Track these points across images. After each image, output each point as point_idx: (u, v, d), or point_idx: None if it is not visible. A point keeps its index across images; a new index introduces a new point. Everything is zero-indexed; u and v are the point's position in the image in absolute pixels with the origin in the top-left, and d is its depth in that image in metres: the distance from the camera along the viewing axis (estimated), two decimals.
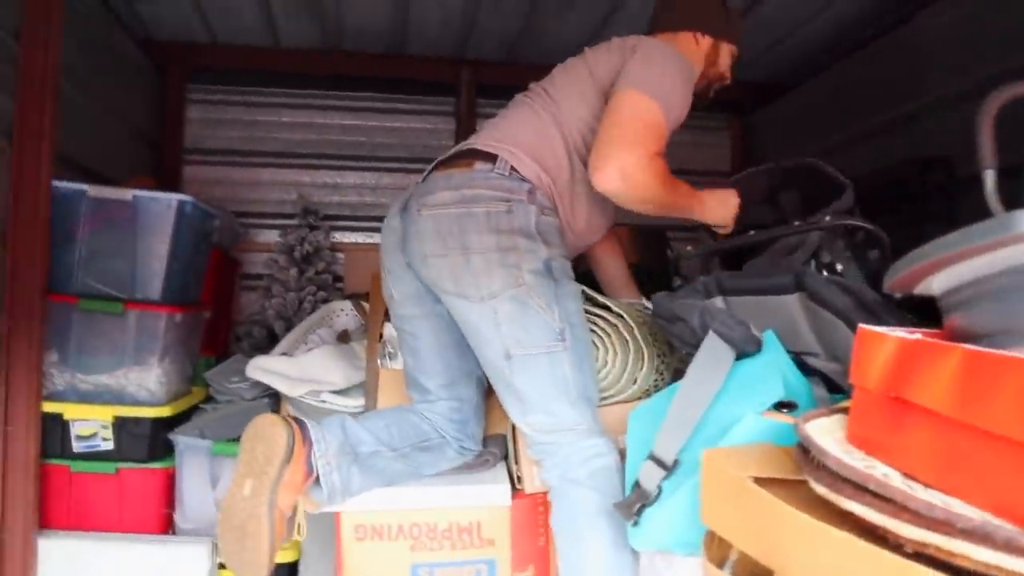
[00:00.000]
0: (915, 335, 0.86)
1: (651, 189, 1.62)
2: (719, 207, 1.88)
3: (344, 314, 2.68)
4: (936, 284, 0.96)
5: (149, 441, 2.22)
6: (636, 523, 1.38)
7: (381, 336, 2.11)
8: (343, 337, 2.54)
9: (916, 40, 2.64)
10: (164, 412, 2.24)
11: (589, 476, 1.58)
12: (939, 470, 0.78)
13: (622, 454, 1.61)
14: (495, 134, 1.77)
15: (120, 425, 2.20)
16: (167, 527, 2.23)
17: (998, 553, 0.65)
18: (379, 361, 2.11)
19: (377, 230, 3.66)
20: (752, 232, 1.90)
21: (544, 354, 1.59)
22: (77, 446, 2.18)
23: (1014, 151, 1.22)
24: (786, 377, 1.35)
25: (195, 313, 2.58)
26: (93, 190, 2.19)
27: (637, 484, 1.38)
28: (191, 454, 2.24)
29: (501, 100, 1.93)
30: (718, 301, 1.65)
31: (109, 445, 2.19)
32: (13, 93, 2.02)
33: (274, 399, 2.36)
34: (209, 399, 2.53)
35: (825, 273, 1.71)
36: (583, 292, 1.81)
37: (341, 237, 3.75)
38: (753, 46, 3.23)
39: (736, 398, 1.34)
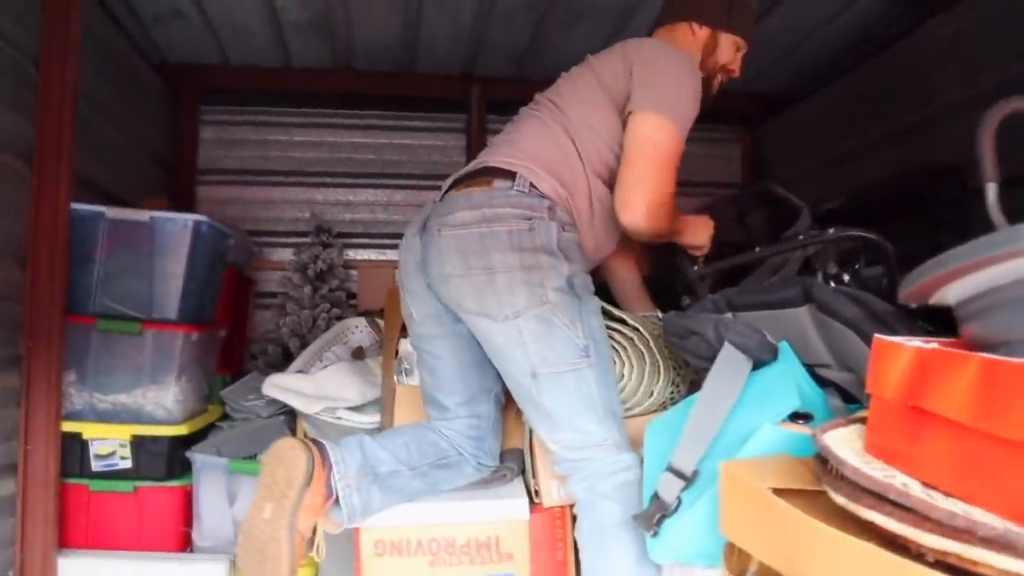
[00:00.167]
0: (931, 344, 0.86)
1: (668, 225, 1.76)
2: (701, 231, 2.00)
3: (358, 331, 2.69)
4: (951, 294, 0.97)
5: (167, 459, 2.24)
6: (656, 534, 1.38)
7: (397, 352, 2.12)
8: (358, 354, 2.55)
9: (925, 49, 2.64)
10: (181, 430, 2.26)
11: (615, 489, 1.58)
12: (959, 479, 0.78)
13: None
14: (510, 150, 1.75)
15: (138, 444, 2.21)
16: (185, 545, 2.25)
17: (1020, 561, 0.65)
18: (395, 377, 2.11)
19: (389, 247, 3.74)
20: (758, 249, 1.96)
21: (570, 371, 1.59)
22: (96, 465, 2.20)
23: (1017, 161, 1.22)
24: (801, 387, 1.35)
25: (211, 332, 2.60)
26: (111, 212, 2.22)
27: (656, 496, 1.38)
28: (208, 472, 2.25)
29: (511, 116, 1.93)
30: (728, 317, 1.66)
31: (127, 464, 2.21)
32: (32, 117, 2.06)
33: (290, 416, 2.37)
34: (225, 417, 2.55)
35: (832, 284, 1.73)
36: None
37: (354, 254, 3.77)
38: (762, 58, 3.25)
39: (752, 409, 1.35)
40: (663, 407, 1.89)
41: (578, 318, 1.61)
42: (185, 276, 2.27)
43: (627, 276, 2.25)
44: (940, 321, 1.15)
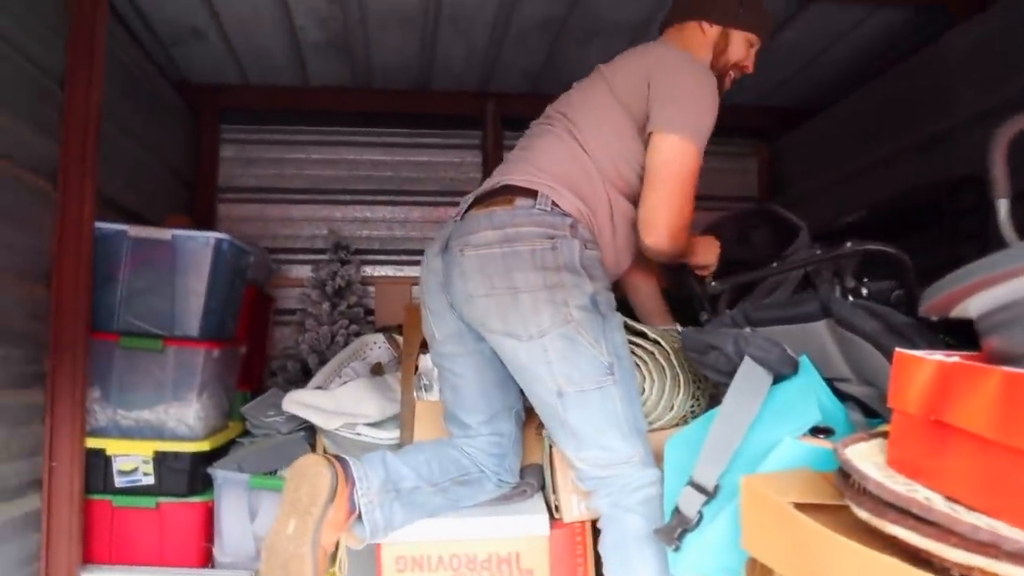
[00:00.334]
0: (953, 358, 0.86)
1: (686, 247, 1.82)
2: (709, 251, 2.02)
3: (377, 347, 2.70)
4: (972, 307, 0.97)
5: (188, 475, 2.26)
6: (677, 548, 1.38)
7: (416, 368, 2.12)
8: (376, 370, 2.57)
9: (945, 60, 2.63)
10: (203, 446, 2.27)
11: (639, 503, 1.58)
12: (982, 492, 0.78)
13: None
14: (529, 168, 1.75)
15: (160, 460, 2.23)
16: (206, 561, 2.26)
17: None
18: (415, 393, 2.12)
19: (407, 263, 3.75)
20: (775, 264, 1.97)
21: (595, 389, 1.59)
22: (119, 481, 2.22)
23: None
24: (821, 401, 1.34)
25: (231, 348, 2.63)
26: (133, 230, 2.25)
27: (677, 510, 1.38)
28: (229, 488, 2.27)
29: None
30: (748, 331, 1.66)
31: (150, 480, 2.23)
32: (57, 137, 2.09)
33: (310, 432, 2.39)
34: (246, 433, 2.56)
35: (850, 298, 1.72)
36: None
37: (371, 271, 3.79)
38: (780, 71, 3.25)
39: (772, 423, 1.34)
40: (684, 421, 1.89)
41: (602, 336, 1.61)
42: (206, 293, 2.30)
43: (647, 289, 2.24)
44: (961, 334, 1.15)
